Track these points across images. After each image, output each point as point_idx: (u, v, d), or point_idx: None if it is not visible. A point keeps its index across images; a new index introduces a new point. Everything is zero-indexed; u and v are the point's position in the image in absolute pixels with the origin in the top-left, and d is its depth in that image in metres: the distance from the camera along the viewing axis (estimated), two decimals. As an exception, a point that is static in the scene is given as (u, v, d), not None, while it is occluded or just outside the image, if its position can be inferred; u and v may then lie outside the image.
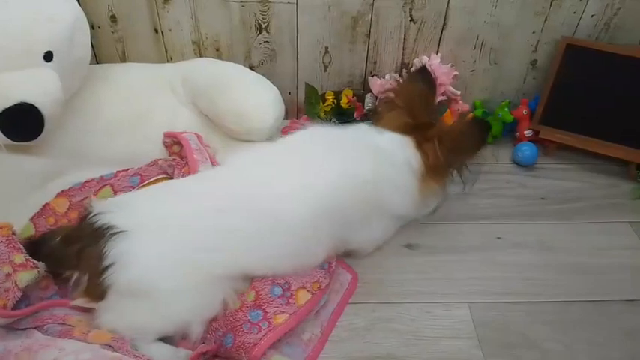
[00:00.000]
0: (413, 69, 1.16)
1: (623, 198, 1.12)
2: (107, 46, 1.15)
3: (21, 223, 0.90)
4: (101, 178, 1.00)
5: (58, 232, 0.81)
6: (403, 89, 0.98)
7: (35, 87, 0.84)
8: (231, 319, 0.77)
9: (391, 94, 0.99)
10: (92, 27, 1.11)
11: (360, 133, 0.94)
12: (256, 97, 0.99)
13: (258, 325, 0.77)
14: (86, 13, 1.08)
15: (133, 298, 0.72)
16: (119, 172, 1.00)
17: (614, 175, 1.17)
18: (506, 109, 1.20)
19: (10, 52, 0.82)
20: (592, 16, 1.13)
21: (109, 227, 0.72)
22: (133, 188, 0.98)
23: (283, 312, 0.79)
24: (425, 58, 1.15)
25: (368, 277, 0.95)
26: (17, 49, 0.82)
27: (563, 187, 1.14)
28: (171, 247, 0.74)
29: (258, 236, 0.79)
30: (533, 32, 1.15)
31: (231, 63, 1.08)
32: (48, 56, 0.86)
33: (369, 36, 1.15)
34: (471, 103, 1.24)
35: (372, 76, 1.20)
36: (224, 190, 0.81)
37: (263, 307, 0.79)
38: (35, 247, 0.80)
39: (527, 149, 1.17)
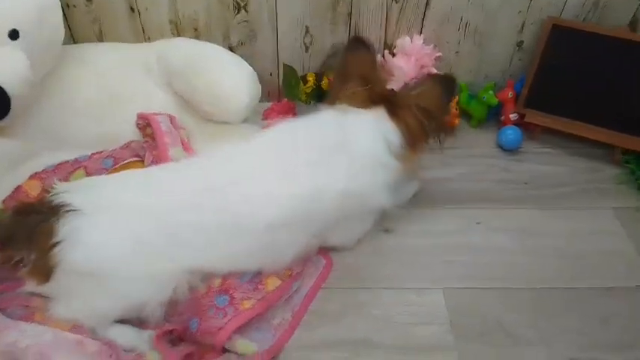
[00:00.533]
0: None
1: (607, 183, 1.10)
2: (83, 26, 1.13)
3: (-8, 205, 0.89)
4: (75, 160, 0.98)
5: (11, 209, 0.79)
6: (349, 61, 0.92)
7: (0, 66, 0.82)
8: (197, 303, 0.77)
9: (337, 70, 0.95)
10: (67, 6, 1.10)
11: (330, 126, 0.86)
12: (232, 77, 0.97)
13: (224, 310, 0.76)
14: (60, -7, 1.06)
15: (81, 278, 0.71)
16: (93, 154, 0.99)
17: (599, 160, 1.14)
18: (490, 91, 1.17)
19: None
20: (579, -5, 1.10)
21: (65, 205, 0.71)
22: (107, 170, 0.97)
23: (251, 298, 0.79)
24: (407, 39, 1.12)
25: (343, 262, 0.94)
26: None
27: (547, 171, 1.12)
28: (125, 233, 0.72)
29: (220, 236, 0.77)
30: (519, 12, 1.12)
31: (208, 43, 1.05)
32: (13, 34, 0.84)
33: (350, 16, 1.12)
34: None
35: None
36: (191, 185, 0.79)
37: (230, 292, 0.78)
38: None
39: (511, 133, 1.15)
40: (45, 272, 0.71)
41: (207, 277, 0.80)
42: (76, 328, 0.70)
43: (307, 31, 1.15)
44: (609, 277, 0.92)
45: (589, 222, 1.02)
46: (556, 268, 0.94)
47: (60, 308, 0.73)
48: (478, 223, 1.02)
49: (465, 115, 1.23)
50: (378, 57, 0.94)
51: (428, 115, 0.87)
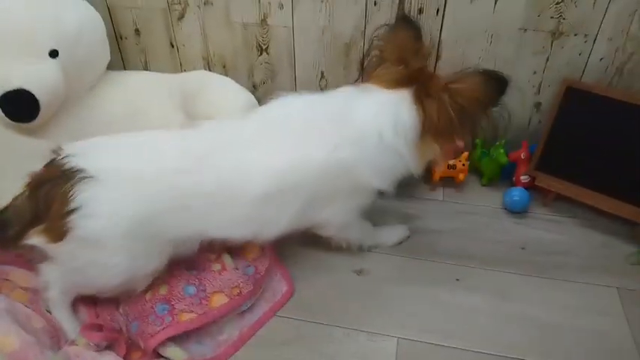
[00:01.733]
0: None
1: (618, 260, 1.00)
2: (133, 55, 1.30)
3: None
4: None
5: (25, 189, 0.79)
6: (390, 40, 0.88)
7: (35, 78, 0.97)
8: (140, 308, 0.82)
9: (377, 51, 0.90)
10: (120, 37, 1.27)
11: (340, 103, 0.86)
12: (229, 101, 1.07)
13: (162, 319, 0.80)
14: (115, 25, 1.24)
15: (90, 246, 0.74)
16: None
17: (614, 235, 1.05)
18: (501, 150, 1.14)
19: (16, 43, 0.96)
20: (601, 59, 1.05)
21: (79, 170, 0.73)
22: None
23: (192, 311, 0.82)
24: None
25: (305, 293, 0.94)
26: (21, 42, 0.96)
27: (549, 239, 1.05)
28: (133, 203, 0.75)
29: (220, 201, 0.80)
30: (534, 72, 1.10)
31: (220, 75, 1.16)
32: (53, 53, 1.00)
33: (362, 63, 1.17)
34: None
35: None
36: (189, 151, 0.81)
37: (172, 302, 0.83)
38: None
39: (516, 194, 1.10)
40: (59, 234, 0.73)
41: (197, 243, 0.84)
42: (31, 303, 0.78)
43: (322, 76, 1.21)
44: (589, 357, 0.83)
45: (585, 298, 0.93)
46: (529, 338, 0.87)
47: (54, 271, 0.79)
48: (457, 280, 0.97)
49: (478, 172, 1.20)
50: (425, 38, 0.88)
51: (461, 110, 0.81)
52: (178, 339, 0.81)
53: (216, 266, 0.89)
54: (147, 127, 1.11)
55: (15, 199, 0.78)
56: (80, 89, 1.11)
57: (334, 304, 0.93)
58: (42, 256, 0.80)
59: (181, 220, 0.80)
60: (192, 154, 0.80)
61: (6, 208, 0.78)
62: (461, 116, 0.81)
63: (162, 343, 0.79)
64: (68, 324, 0.81)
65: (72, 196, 0.71)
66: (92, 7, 1.11)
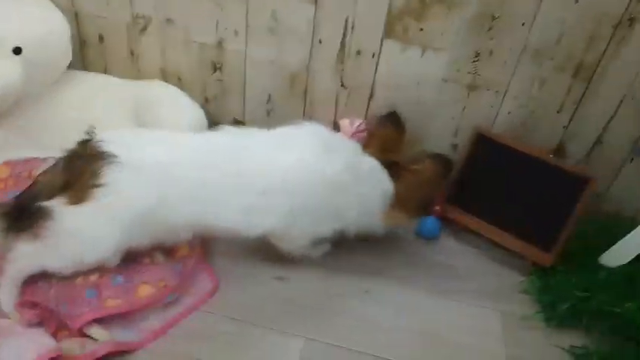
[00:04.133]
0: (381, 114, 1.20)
1: (507, 288, 1.15)
2: (95, 60, 1.37)
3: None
4: (44, 159, 1.18)
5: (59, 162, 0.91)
6: (375, 133, 1.11)
7: (-4, 73, 1.05)
8: (70, 291, 0.90)
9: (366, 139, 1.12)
10: (84, 42, 1.35)
11: (351, 146, 1.05)
12: (176, 117, 1.17)
13: (89, 302, 0.88)
14: (80, 30, 1.32)
15: (100, 217, 0.86)
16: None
17: (509, 266, 1.19)
18: (420, 182, 1.28)
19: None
20: (508, 113, 1.22)
21: (111, 155, 0.86)
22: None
23: (117, 298, 0.90)
24: (346, 121, 1.27)
25: (228, 292, 1.04)
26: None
27: (455, 265, 1.19)
28: (152, 189, 0.88)
29: (227, 193, 0.93)
30: (453, 118, 1.25)
31: (175, 88, 1.26)
32: (16, 50, 1.08)
33: (305, 93, 1.30)
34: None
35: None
36: (212, 148, 0.95)
37: (100, 288, 0.91)
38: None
39: (430, 222, 1.24)
40: (80, 199, 0.85)
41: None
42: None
43: (269, 99, 1.33)
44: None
45: (473, 319, 1.07)
46: (420, 349, 0.99)
47: (28, 247, 0.87)
48: (366, 292, 1.09)
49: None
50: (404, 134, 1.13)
51: (420, 186, 1.04)
52: (103, 322, 0.89)
53: (146, 260, 0.97)
54: (99, 130, 1.21)
55: (45, 172, 0.90)
56: (39, 87, 1.19)
57: (254, 304, 1.03)
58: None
59: (190, 208, 0.91)
60: (207, 149, 0.95)
61: (37, 181, 0.88)
62: (419, 190, 1.04)
63: (88, 324, 0.86)
64: (8, 299, 0.87)
65: (101, 173, 0.84)
66: (59, 12, 1.20)
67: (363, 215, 1.03)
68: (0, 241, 0.88)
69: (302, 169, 0.96)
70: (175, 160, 0.91)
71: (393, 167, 1.03)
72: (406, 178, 1.03)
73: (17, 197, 0.89)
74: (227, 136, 0.99)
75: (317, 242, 1.09)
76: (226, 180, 0.92)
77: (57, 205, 0.85)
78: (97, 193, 0.84)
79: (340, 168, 0.97)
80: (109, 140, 0.89)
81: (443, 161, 1.10)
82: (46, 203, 0.85)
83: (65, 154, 0.89)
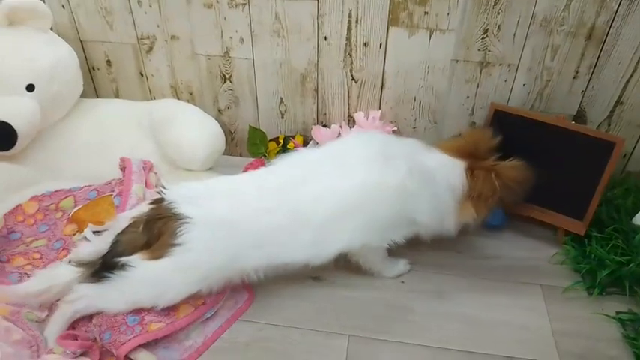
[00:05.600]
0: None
1: (543, 261, 1.14)
2: (105, 85, 1.39)
3: (-4, 218, 1.11)
4: (69, 189, 1.20)
5: (138, 223, 0.95)
6: (471, 131, 1.11)
7: (14, 110, 1.07)
8: (112, 319, 0.91)
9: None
10: (93, 68, 1.37)
11: (409, 146, 1.02)
12: (193, 133, 1.18)
13: (132, 328, 0.90)
14: (88, 57, 1.34)
15: (177, 270, 0.91)
16: (84, 187, 1.20)
17: (542, 239, 1.19)
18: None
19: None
20: (523, 85, 1.20)
21: (185, 217, 0.91)
22: (89, 200, 1.17)
23: (160, 321, 0.92)
24: (361, 114, 1.27)
25: (265, 300, 1.05)
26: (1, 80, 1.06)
27: (485, 243, 1.18)
28: (220, 243, 0.92)
29: (293, 231, 0.94)
30: (467, 97, 1.24)
31: (189, 104, 1.27)
32: (30, 87, 1.10)
33: (317, 91, 1.29)
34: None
35: (324, 125, 1.34)
36: (272, 190, 0.96)
37: (142, 314, 0.92)
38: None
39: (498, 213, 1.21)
40: (159, 255, 0.90)
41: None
42: (11, 315, 0.86)
43: (282, 101, 1.33)
44: (513, 348, 0.96)
45: (512, 296, 1.06)
46: (461, 332, 0.99)
47: (89, 289, 0.91)
48: (402, 282, 1.09)
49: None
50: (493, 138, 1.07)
51: (500, 187, 0.99)
52: (147, 345, 0.90)
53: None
54: (118, 153, 1.22)
55: (124, 232, 0.94)
56: (55, 118, 1.21)
57: (292, 307, 1.03)
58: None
59: (260, 252, 0.94)
60: (269, 191, 0.96)
61: (119, 242, 0.93)
62: (499, 191, 0.99)
63: (134, 350, 0.88)
64: (55, 334, 0.89)
65: (178, 233, 0.90)
66: (66, 43, 1.21)
67: (435, 213, 1.00)
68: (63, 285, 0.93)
69: (365, 189, 0.95)
70: (239, 212, 0.93)
71: (475, 159, 1.01)
72: (485, 175, 0.99)
73: (103, 257, 0.94)
74: (283, 174, 0.99)
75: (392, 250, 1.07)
76: (291, 219, 0.94)
77: (135, 258, 0.91)
78: (174, 251, 0.90)
79: (403, 173, 0.95)
80: (180, 200, 0.93)
81: (523, 167, 1.03)
82: (126, 258, 0.91)
83: (144, 216, 0.94)
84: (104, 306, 0.92)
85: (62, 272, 0.94)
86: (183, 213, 0.91)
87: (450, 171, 0.99)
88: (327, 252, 0.97)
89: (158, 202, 0.96)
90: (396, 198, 0.96)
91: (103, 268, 0.92)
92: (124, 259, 0.90)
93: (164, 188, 0.97)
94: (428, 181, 0.98)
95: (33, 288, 0.92)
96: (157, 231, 0.91)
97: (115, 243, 0.94)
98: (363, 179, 0.95)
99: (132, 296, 0.92)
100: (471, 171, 0.99)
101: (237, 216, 0.93)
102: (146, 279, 0.91)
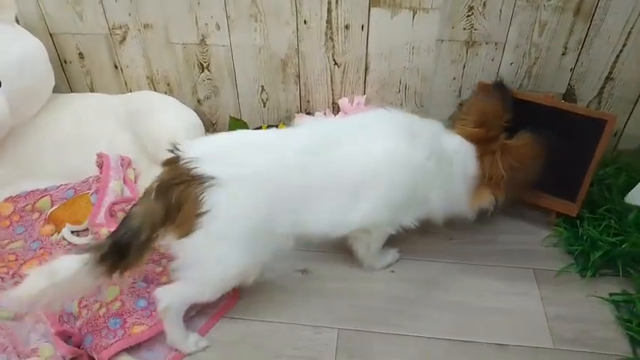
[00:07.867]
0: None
1: (535, 245, 1.12)
2: (78, 78, 1.34)
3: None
4: (45, 189, 1.16)
5: (150, 191, 0.83)
6: (475, 105, 1.03)
7: (-19, 108, 1.02)
8: (93, 323, 0.88)
9: (462, 113, 1.04)
10: (65, 62, 1.31)
11: (432, 126, 0.99)
12: (170, 125, 1.13)
13: (115, 332, 0.87)
14: (59, 50, 1.28)
15: (214, 242, 0.82)
16: (60, 185, 1.16)
17: (533, 222, 1.16)
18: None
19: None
20: (511, 64, 1.17)
21: (208, 177, 0.79)
22: (66, 199, 1.13)
23: (143, 324, 0.88)
24: (345, 100, 1.23)
25: (252, 296, 1.01)
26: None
27: (476, 229, 1.16)
28: (257, 204, 0.83)
29: (321, 196, 0.88)
30: (454, 78, 1.20)
31: (163, 95, 1.23)
32: (-4, 83, 1.05)
33: (298, 77, 1.25)
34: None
35: (307, 113, 1.30)
36: (303, 150, 0.88)
37: (124, 316, 0.89)
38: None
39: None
40: (189, 231, 0.80)
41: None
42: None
43: (263, 89, 1.29)
44: (507, 335, 0.94)
45: (505, 281, 1.04)
46: (453, 320, 0.96)
47: (169, 290, 0.86)
48: (392, 272, 1.06)
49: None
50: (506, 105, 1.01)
51: (514, 169, 0.96)
52: (131, 348, 0.87)
53: (164, 278, 0.95)
54: (95, 148, 1.18)
55: (138, 203, 0.84)
56: (27, 115, 1.16)
57: (281, 302, 1.00)
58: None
59: (291, 216, 0.87)
60: (301, 150, 0.88)
61: (132, 215, 0.82)
62: (510, 172, 0.96)
63: (116, 354, 0.85)
64: (184, 340, 0.88)
65: (202, 199, 0.79)
66: (33, 36, 1.16)
67: (448, 198, 0.98)
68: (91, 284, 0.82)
69: (392, 159, 0.91)
70: (273, 167, 0.85)
71: (485, 143, 0.97)
72: (499, 156, 0.96)
73: (112, 235, 0.82)
74: (313, 135, 0.92)
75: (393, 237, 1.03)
76: (322, 182, 0.88)
77: (169, 240, 0.81)
78: (203, 220, 0.80)
79: (426, 153, 0.92)
80: (198, 159, 0.81)
81: (542, 142, 0.98)
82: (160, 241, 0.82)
83: (156, 181, 0.83)
84: (198, 299, 0.88)
85: (63, 265, 0.79)
86: (205, 173, 0.80)
87: (464, 156, 0.97)
88: (346, 223, 0.93)
89: (172, 162, 0.83)
90: (414, 175, 0.93)
91: (113, 249, 0.79)
92: (147, 238, 0.80)
93: (177, 146, 0.84)
94: (445, 164, 0.95)
95: (33, 289, 0.77)
96: (174, 200, 0.79)
97: (128, 217, 0.82)
98: (392, 149, 0.91)
99: (212, 279, 0.86)
100: (482, 156, 0.97)
101: (274, 174, 0.84)
102: (202, 259, 0.83)
